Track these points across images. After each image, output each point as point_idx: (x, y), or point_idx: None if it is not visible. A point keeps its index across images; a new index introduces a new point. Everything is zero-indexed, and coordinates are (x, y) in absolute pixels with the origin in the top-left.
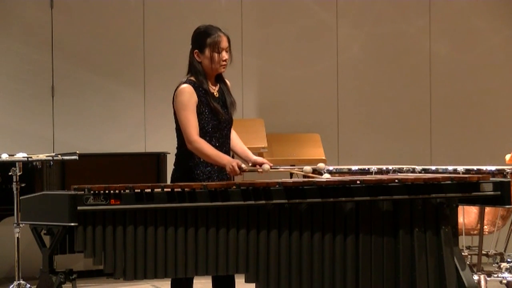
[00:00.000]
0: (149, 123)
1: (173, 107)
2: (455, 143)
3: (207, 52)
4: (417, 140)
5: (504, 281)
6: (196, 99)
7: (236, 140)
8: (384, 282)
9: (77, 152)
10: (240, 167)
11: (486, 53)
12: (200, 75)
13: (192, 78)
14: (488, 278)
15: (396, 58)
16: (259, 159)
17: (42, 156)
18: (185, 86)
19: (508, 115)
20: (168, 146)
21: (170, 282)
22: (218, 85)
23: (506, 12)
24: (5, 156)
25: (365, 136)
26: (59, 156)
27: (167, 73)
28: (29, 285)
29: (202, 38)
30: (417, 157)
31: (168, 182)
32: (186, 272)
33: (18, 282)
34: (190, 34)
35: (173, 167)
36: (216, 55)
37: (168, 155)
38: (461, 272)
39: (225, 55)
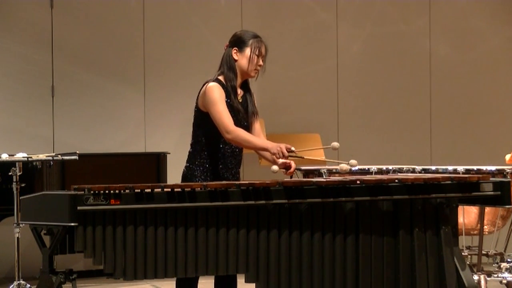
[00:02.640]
0: (149, 123)
1: (197, 104)
2: (455, 143)
3: (247, 51)
4: (417, 140)
5: (504, 281)
6: (224, 96)
7: None
8: (384, 282)
9: (77, 152)
10: (289, 150)
11: (486, 53)
12: (231, 72)
13: (220, 78)
14: (488, 278)
15: (396, 58)
16: (287, 161)
17: (42, 156)
18: (213, 84)
19: (508, 115)
20: (168, 146)
21: (170, 282)
22: (243, 92)
23: (506, 12)
24: (5, 156)
25: (365, 136)
26: (59, 156)
27: (167, 73)
28: (29, 285)
29: (246, 38)
30: (417, 157)
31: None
32: (186, 272)
33: (18, 282)
34: (190, 34)
35: (186, 164)
36: (255, 56)
37: (168, 155)
38: (461, 272)
39: (261, 61)
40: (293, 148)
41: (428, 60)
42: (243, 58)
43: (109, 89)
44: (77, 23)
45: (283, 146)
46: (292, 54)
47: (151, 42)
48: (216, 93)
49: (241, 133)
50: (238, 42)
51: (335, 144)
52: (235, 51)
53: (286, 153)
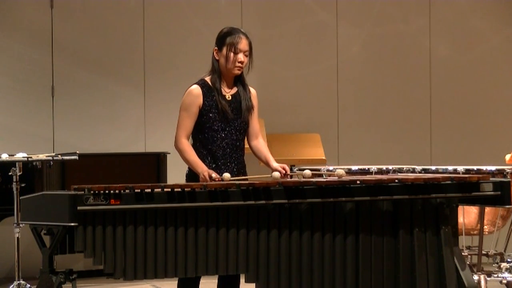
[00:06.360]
0: (149, 123)
1: None
2: (455, 143)
3: (224, 50)
4: (417, 140)
5: (504, 281)
6: (201, 102)
7: (262, 148)
8: (384, 282)
9: (77, 152)
10: (210, 177)
11: (486, 53)
12: (215, 73)
13: (206, 79)
14: (488, 278)
15: (396, 58)
16: (278, 167)
17: (42, 156)
18: (193, 87)
19: (508, 115)
20: (168, 146)
21: (170, 282)
22: (236, 88)
23: (506, 12)
24: (5, 156)
25: (365, 136)
26: (59, 156)
27: (167, 73)
28: (29, 285)
29: (223, 37)
30: (417, 157)
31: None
32: (186, 272)
33: (18, 282)
34: (190, 34)
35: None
36: (231, 54)
37: (168, 155)
38: (461, 272)
39: (241, 57)
40: (213, 175)
41: (428, 60)
42: (221, 57)
43: (109, 89)
44: (77, 23)
45: (206, 173)
46: (292, 54)
47: (151, 42)
48: (188, 99)
49: (186, 149)
50: (217, 41)
51: (275, 174)
52: (215, 51)
53: (208, 180)
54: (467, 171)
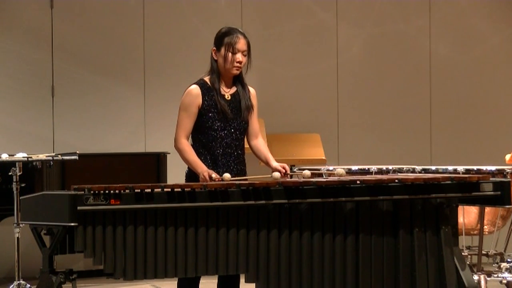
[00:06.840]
0: (149, 123)
1: None
2: (455, 143)
3: (222, 50)
4: (417, 140)
5: (504, 281)
6: (200, 102)
7: (262, 147)
8: (384, 282)
9: (77, 152)
10: (210, 177)
11: (486, 53)
12: (214, 73)
13: (205, 78)
14: (488, 278)
15: (396, 58)
16: (278, 166)
17: (42, 156)
18: (192, 87)
19: (508, 115)
20: (168, 146)
21: (170, 282)
22: (236, 88)
23: (506, 12)
24: (5, 156)
25: (365, 136)
26: (59, 156)
27: (167, 73)
28: (29, 285)
29: (221, 37)
30: (417, 157)
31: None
32: (186, 272)
33: (18, 282)
34: (190, 34)
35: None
36: (230, 54)
37: (168, 155)
38: (461, 272)
39: (239, 57)
40: (213, 175)
41: (428, 60)
42: (220, 58)
43: (109, 89)
44: (77, 23)
45: (206, 174)
46: (292, 54)
47: (151, 42)
48: (187, 99)
49: (185, 149)
50: (216, 41)
51: (275, 174)
52: (214, 51)
53: (208, 180)
54: (467, 171)
